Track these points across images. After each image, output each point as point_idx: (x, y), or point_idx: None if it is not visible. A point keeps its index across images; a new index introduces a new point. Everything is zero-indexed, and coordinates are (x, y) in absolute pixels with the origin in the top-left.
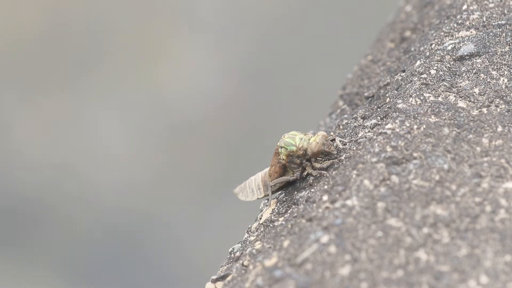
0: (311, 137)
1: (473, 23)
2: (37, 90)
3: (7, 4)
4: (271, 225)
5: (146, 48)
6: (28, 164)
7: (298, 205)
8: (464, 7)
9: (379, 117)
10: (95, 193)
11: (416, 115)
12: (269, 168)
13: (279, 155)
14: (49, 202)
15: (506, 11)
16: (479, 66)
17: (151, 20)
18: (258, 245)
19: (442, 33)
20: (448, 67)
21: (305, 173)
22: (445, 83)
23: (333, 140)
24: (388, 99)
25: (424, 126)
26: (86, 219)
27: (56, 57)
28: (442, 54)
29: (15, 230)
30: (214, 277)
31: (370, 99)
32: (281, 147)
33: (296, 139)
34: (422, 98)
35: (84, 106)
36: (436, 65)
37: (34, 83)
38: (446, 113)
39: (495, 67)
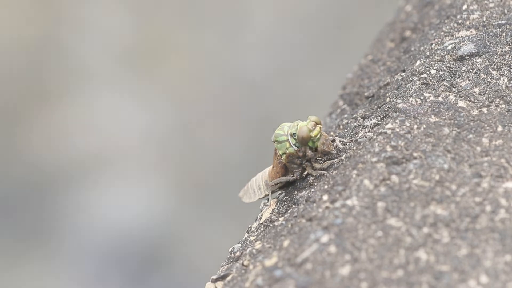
0: (300, 122)
1: (473, 23)
2: (44, 89)
3: (7, 6)
4: (271, 225)
5: (152, 46)
6: (32, 166)
7: (298, 204)
8: (464, 6)
9: (379, 117)
10: (96, 193)
11: (416, 115)
12: (270, 168)
13: (278, 155)
14: (52, 204)
15: (506, 11)
16: (479, 66)
17: (156, 18)
18: (258, 245)
19: (442, 33)
20: (448, 67)
21: (305, 173)
22: (445, 83)
23: (333, 140)
24: (388, 99)
25: (424, 126)
26: (87, 219)
27: (59, 54)
28: (442, 54)
29: (19, 233)
30: (214, 277)
31: (370, 99)
32: (274, 142)
33: (284, 129)
34: (422, 98)
35: (86, 107)
36: (436, 65)
37: (40, 82)
38: (446, 113)
39: (495, 67)
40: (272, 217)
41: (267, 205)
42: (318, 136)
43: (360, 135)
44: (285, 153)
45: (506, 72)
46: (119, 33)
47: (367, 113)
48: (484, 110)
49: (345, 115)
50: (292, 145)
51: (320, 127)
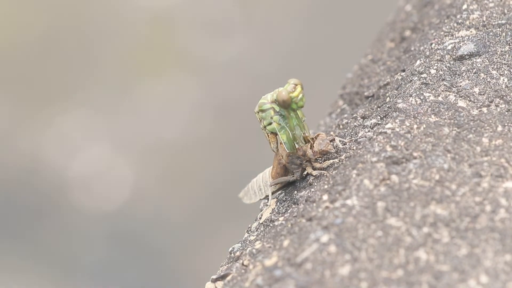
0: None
1: (473, 23)
2: (35, 100)
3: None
4: (271, 224)
5: (149, 53)
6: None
7: (298, 204)
8: (464, 6)
9: (379, 117)
10: (98, 194)
11: (416, 114)
12: (270, 168)
13: (280, 157)
14: (51, 204)
15: (506, 11)
16: (479, 65)
17: (146, 30)
18: (258, 245)
19: (442, 33)
20: (448, 66)
21: (305, 173)
22: (445, 83)
23: (333, 140)
24: (388, 98)
25: (424, 126)
26: (87, 220)
27: (50, 68)
28: (442, 53)
29: (18, 230)
30: (214, 276)
31: (370, 98)
32: (258, 112)
33: (267, 97)
34: (422, 97)
35: (87, 110)
36: (436, 64)
37: (27, 94)
38: (446, 113)
39: (495, 66)
40: (272, 216)
41: (267, 205)
42: (300, 96)
43: (360, 134)
44: (270, 123)
45: (506, 72)
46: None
47: (367, 112)
48: (484, 109)
49: (345, 115)
50: (277, 112)
51: (300, 87)
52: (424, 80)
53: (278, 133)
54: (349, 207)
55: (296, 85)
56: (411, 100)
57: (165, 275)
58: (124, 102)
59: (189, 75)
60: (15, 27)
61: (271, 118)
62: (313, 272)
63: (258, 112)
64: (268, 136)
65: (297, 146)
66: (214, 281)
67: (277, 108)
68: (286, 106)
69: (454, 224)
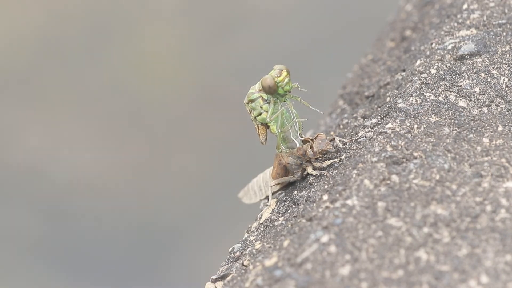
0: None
1: (474, 22)
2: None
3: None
4: (271, 224)
5: (149, 53)
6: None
7: (298, 204)
8: (465, 6)
9: (379, 117)
10: (97, 194)
11: (417, 114)
12: (270, 168)
13: (280, 157)
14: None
15: (506, 10)
16: (479, 65)
17: (129, 16)
18: (258, 245)
19: (443, 32)
20: (449, 66)
21: (305, 173)
22: (445, 83)
23: (333, 139)
24: (388, 98)
25: (425, 126)
26: (87, 220)
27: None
28: (442, 53)
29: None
30: (214, 277)
31: (370, 98)
32: (247, 103)
33: (255, 86)
34: (422, 97)
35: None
36: (436, 64)
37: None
38: (447, 113)
39: (496, 66)
40: (272, 217)
41: (267, 205)
42: (286, 80)
43: (360, 134)
44: (260, 113)
45: (506, 72)
46: None
47: (367, 112)
48: (485, 109)
49: (345, 115)
50: (265, 101)
51: (286, 72)
52: (425, 80)
53: (268, 123)
54: (349, 207)
55: (281, 70)
56: (412, 100)
57: (165, 275)
58: (125, 103)
59: (189, 74)
60: (16, 26)
61: (261, 107)
62: (313, 272)
63: (248, 103)
64: (258, 128)
65: (288, 134)
66: (214, 281)
67: (265, 96)
68: (272, 91)
69: (455, 224)
